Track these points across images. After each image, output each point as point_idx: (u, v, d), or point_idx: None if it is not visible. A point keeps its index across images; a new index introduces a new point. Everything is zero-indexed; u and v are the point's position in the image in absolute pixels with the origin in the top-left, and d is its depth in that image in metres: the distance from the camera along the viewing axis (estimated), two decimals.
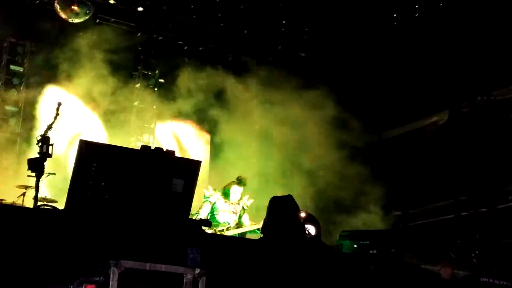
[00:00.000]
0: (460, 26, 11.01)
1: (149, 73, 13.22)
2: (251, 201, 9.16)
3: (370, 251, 6.73)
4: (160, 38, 12.92)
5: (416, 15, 11.53)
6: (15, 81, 12.08)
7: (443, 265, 6.02)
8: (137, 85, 13.01)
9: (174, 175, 5.20)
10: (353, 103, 12.28)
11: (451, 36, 11.33)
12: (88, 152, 4.99)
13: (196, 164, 5.45)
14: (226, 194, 8.90)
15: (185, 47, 13.25)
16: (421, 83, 11.83)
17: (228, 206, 8.88)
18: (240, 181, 8.98)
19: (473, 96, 11.44)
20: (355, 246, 6.79)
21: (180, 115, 13.16)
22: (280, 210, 5.58)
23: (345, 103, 12.22)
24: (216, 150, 13.34)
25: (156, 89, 13.25)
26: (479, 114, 11.27)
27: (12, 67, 12.11)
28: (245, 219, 9.03)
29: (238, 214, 8.96)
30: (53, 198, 9.41)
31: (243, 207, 9.05)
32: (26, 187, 9.57)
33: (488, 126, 11.04)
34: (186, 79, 12.91)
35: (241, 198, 9.01)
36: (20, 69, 12.15)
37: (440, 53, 11.57)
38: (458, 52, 11.24)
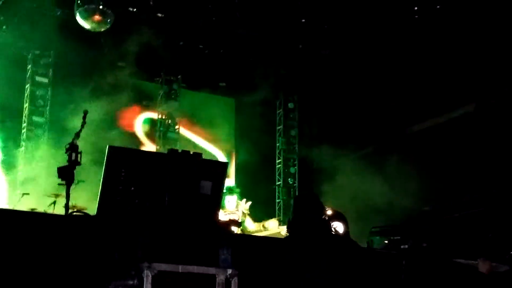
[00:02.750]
0: (486, 16, 10.88)
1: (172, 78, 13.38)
2: (249, 203, 9.19)
3: (402, 247, 6.68)
4: (181, 43, 13.02)
5: (438, 6, 11.43)
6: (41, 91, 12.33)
7: (481, 259, 5.95)
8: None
9: (202, 177, 5.24)
10: (378, 98, 12.22)
11: (477, 26, 11.19)
12: (117, 158, 5.05)
13: (223, 166, 5.49)
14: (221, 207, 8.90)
15: (206, 51, 13.34)
16: (447, 76, 11.71)
17: (227, 216, 8.88)
18: (231, 191, 9.08)
19: (499, 87, 11.30)
20: (386, 242, 6.75)
21: None
22: (304, 208, 5.57)
23: (370, 98, 12.16)
24: None
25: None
26: (506, 106, 11.12)
27: (37, 78, 12.34)
28: (248, 223, 9.07)
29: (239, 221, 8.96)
30: (83, 205, 9.52)
31: (242, 212, 9.08)
32: (56, 195, 9.69)
33: None
34: None
35: (238, 205, 9.04)
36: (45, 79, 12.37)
37: (466, 44, 11.44)
38: (484, 43, 11.11)
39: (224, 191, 9.01)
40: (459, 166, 10.79)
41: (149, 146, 13.62)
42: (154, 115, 13.95)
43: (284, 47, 13.50)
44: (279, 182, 15.27)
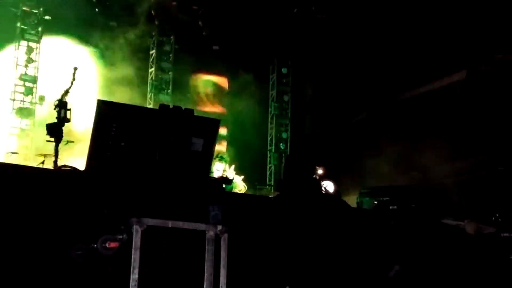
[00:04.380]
0: None
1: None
2: (234, 172, 9.22)
3: (390, 207, 6.73)
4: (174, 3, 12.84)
5: None
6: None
7: (468, 220, 6.02)
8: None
9: (193, 134, 5.20)
10: (370, 65, 12.16)
11: None
12: (107, 112, 4.99)
13: (215, 123, 5.43)
14: None
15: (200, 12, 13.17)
16: (438, 43, 11.65)
17: None
18: (221, 158, 9.05)
19: (490, 55, 11.26)
20: (375, 202, 6.79)
21: None
22: (295, 167, 5.58)
23: (362, 66, 12.10)
24: None
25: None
26: (497, 73, 11.10)
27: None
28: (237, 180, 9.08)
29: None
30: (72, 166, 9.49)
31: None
32: (45, 155, 9.65)
33: (506, 84, 10.88)
34: None
35: (224, 171, 9.05)
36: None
37: (458, 12, 11.35)
38: (475, 10, 11.03)
39: (215, 157, 9.03)
40: (448, 132, 10.81)
41: None
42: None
43: (279, 11, 13.35)
44: (270, 147, 15.28)
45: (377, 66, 12.40)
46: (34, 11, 12.20)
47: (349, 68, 12.96)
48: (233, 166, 9.19)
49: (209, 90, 14.60)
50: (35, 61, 12.29)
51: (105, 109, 4.99)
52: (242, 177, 9.42)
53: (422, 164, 10.43)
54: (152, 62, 13.81)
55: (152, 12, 12.61)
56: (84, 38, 12.25)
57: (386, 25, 12.37)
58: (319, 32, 13.61)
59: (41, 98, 11.87)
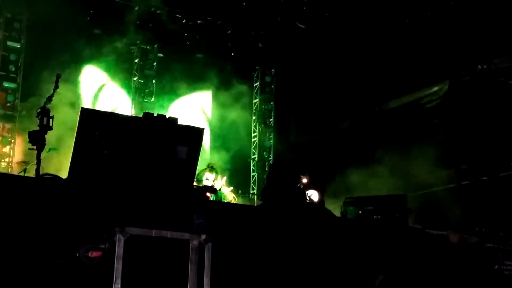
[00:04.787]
0: None
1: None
2: (225, 178, 9.21)
3: (374, 217, 6.74)
4: (158, 11, 12.83)
5: None
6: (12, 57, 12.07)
7: (452, 230, 6.05)
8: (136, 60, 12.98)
9: (178, 142, 5.18)
10: (354, 74, 12.22)
11: (451, 4, 11.23)
12: (90, 120, 4.95)
13: (199, 132, 5.42)
14: (199, 181, 8.89)
15: (183, 21, 13.17)
16: (421, 53, 11.75)
17: None
18: (212, 168, 9.05)
19: (473, 65, 11.37)
20: (360, 212, 6.80)
21: None
22: (279, 176, 5.58)
23: (346, 74, 12.16)
24: None
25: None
26: (479, 83, 11.21)
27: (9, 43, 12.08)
28: (226, 191, 9.09)
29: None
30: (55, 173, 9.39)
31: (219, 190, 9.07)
32: (26, 163, 9.54)
33: (488, 94, 10.99)
34: None
35: (215, 180, 9.04)
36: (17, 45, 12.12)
37: (440, 22, 11.47)
38: (457, 21, 11.15)
39: (205, 167, 9.01)
40: (430, 142, 10.89)
41: None
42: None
43: (262, 20, 13.39)
44: (254, 156, 15.26)
45: (361, 75, 12.46)
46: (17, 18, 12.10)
47: (333, 76, 13.01)
48: (224, 178, 9.19)
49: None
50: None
51: (88, 117, 4.95)
52: (232, 188, 9.41)
53: (405, 173, 10.48)
54: (136, 70, 13.77)
55: (137, 22, 12.58)
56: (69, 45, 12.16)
57: (369, 33, 12.46)
58: (303, 41, 13.67)
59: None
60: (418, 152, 10.73)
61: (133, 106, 13.51)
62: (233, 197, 9.23)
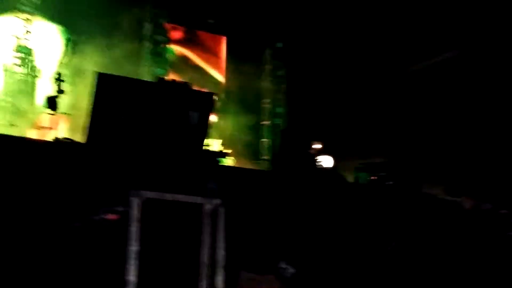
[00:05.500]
0: None
1: None
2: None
3: (387, 182, 6.74)
4: None
5: None
6: None
7: (465, 196, 6.06)
8: None
9: (189, 107, 5.21)
10: (368, 38, 12.07)
11: None
12: (106, 85, 4.98)
13: (209, 96, 5.44)
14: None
15: None
16: (432, 21, 11.59)
17: None
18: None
19: (480, 35, 11.21)
20: (372, 177, 6.80)
21: None
22: (290, 142, 5.60)
23: (359, 38, 12.02)
24: None
25: None
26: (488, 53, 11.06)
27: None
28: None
29: None
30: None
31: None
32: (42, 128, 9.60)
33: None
34: None
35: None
36: None
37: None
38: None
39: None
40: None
41: None
42: None
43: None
44: (265, 122, 15.25)
45: (376, 38, 12.29)
46: None
47: (346, 41, 12.87)
48: (220, 141, 9.15)
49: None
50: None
51: (104, 82, 4.98)
52: (230, 151, 9.37)
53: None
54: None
55: None
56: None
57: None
58: (317, 5, 13.50)
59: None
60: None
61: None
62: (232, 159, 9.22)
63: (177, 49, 13.76)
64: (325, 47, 13.66)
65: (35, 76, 11.70)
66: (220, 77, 14.49)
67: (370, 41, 12.25)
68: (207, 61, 14.43)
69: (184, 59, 13.92)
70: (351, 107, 11.94)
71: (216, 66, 14.54)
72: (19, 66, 11.90)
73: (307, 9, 13.75)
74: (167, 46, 13.21)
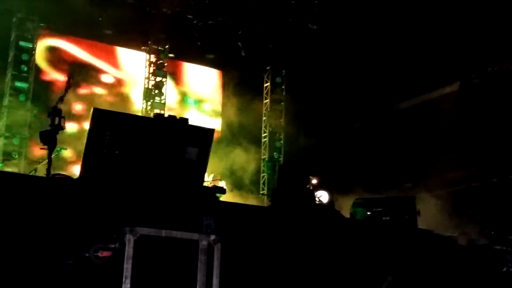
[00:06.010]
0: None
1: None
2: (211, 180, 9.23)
3: (383, 218, 6.73)
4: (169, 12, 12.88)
5: None
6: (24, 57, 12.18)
7: (461, 232, 6.03)
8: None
9: (188, 143, 5.20)
10: (365, 75, 12.20)
11: (462, 7, 11.20)
12: (102, 120, 4.99)
13: (209, 132, 5.43)
14: None
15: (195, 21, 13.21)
16: (432, 55, 11.72)
17: None
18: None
19: (483, 67, 11.34)
20: (368, 213, 6.79)
21: None
22: (288, 177, 5.59)
23: (356, 75, 12.14)
24: None
25: None
26: (489, 85, 11.18)
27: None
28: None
29: None
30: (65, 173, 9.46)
31: None
32: (38, 162, 9.61)
33: (498, 96, 10.95)
34: None
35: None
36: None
37: (451, 25, 11.45)
38: (468, 23, 11.12)
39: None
40: (441, 143, 10.86)
41: None
42: None
43: (273, 21, 13.40)
44: (264, 157, 15.28)
45: (372, 76, 12.45)
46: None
47: (343, 77, 13.00)
48: (212, 175, 9.17)
49: None
50: None
51: (99, 117, 4.99)
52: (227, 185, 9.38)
53: (415, 174, 10.46)
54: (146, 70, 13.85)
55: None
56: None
57: (381, 35, 12.44)
58: (314, 42, 13.66)
59: None
60: (428, 154, 10.69)
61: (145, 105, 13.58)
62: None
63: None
64: (324, 81, 13.79)
65: None
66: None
67: (366, 76, 12.35)
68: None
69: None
70: (349, 143, 12.00)
71: None
72: None
73: (305, 45, 13.92)
74: None
